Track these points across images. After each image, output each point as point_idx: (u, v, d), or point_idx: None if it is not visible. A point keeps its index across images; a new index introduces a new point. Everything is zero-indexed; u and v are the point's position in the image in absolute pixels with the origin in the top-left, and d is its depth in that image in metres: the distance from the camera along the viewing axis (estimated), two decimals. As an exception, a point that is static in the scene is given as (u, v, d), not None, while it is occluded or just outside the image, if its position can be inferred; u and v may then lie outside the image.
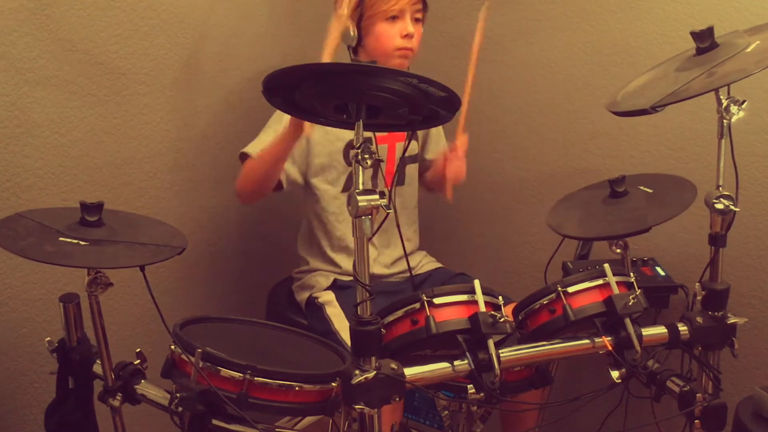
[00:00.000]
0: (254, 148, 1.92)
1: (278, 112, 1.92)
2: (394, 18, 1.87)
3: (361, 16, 1.87)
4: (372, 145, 1.22)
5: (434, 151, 2.17)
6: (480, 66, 2.35)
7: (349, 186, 1.91)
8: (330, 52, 1.66)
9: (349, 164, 1.91)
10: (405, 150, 1.95)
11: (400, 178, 2.04)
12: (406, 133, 1.72)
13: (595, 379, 1.44)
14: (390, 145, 2.01)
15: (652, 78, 1.63)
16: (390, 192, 1.90)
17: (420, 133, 2.12)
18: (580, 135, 2.23)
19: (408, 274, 2.05)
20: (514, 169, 2.37)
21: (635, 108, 1.53)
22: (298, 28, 2.29)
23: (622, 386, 1.43)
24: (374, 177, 1.94)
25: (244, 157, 1.93)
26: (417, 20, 1.92)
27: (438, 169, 2.03)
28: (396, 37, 1.88)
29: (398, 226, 1.91)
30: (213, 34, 2.04)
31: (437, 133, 2.19)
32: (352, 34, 1.83)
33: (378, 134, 1.92)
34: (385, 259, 2.04)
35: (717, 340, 1.50)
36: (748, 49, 1.47)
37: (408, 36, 1.88)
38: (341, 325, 1.84)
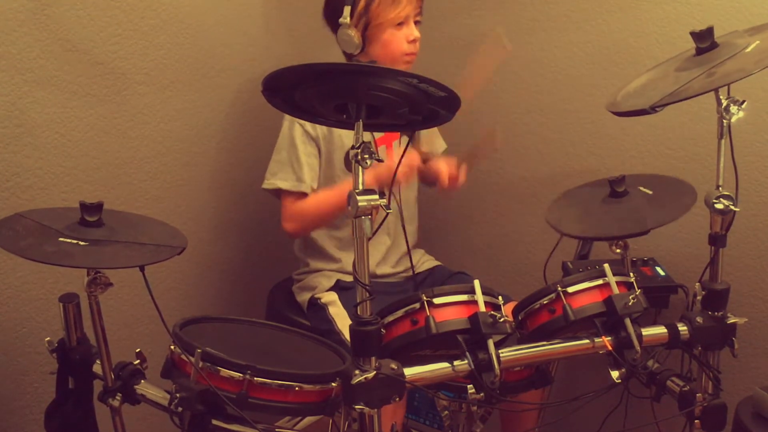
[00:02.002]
0: (287, 180, 1.90)
1: (285, 133, 1.93)
2: (400, 24, 1.90)
3: (366, 25, 1.88)
4: (372, 146, 1.22)
5: (430, 144, 2.17)
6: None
7: None
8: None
9: (349, 169, 1.91)
10: (405, 149, 1.95)
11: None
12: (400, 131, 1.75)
13: (595, 379, 1.44)
14: (387, 145, 2.01)
15: (652, 78, 1.63)
16: (390, 193, 1.90)
17: None
18: (580, 135, 2.23)
19: (408, 273, 2.05)
20: (514, 169, 2.37)
21: (635, 108, 1.53)
22: (297, 27, 2.29)
23: (622, 386, 1.43)
24: None
25: (276, 191, 1.92)
26: (417, 22, 1.95)
27: (433, 175, 2.03)
28: (403, 43, 1.91)
29: (404, 226, 1.92)
30: (213, 34, 2.04)
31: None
32: (356, 42, 1.85)
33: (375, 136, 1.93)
34: (392, 259, 2.05)
35: (717, 340, 1.50)
36: (748, 49, 1.47)
37: (414, 41, 1.92)
38: (344, 325, 1.83)
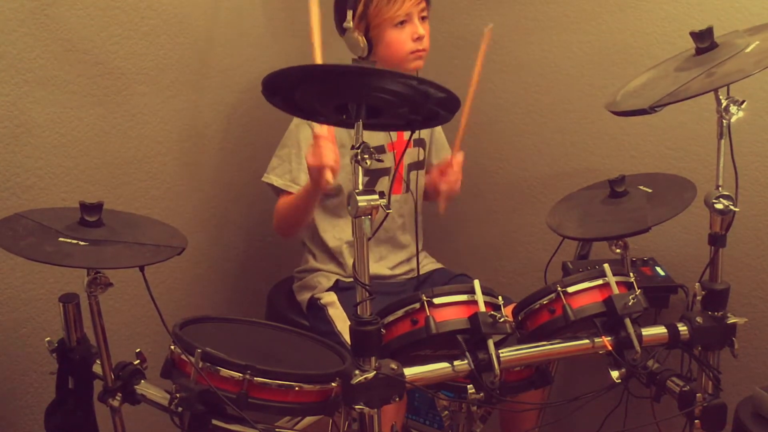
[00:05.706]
0: (281, 178, 1.90)
1: (292, 131, 1.93)
2: (402, 23, 1.86)
3: (368, 27, 1.86)
4: (373, 150, 1.22)
5: (438, 156, 2.17)
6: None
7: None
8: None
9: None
10: (403, 153, 1.95)
11: (406, 185, 2.04)
12: (412, 141, 1.74)
13: (595, 379, 1.44)
14: (399, 152, 1.99)
15: (652, 78, 1.63)
16: (389, 197, 1.89)
17: (426, 139, 2.12)
18: (580, 135, 2.23)
19: (409, 275, 2.05)
20: (514, 169, 2.37)
21: (634, 108, 1.53)
22: (297, 27, 2.29)
23: (622, 386, 1.43)
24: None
25: (272, 186, 1.93)
26: (423, 18, 1.91)
27: (432, 181, 2.02)
28: (407, 41, 1.87)
29: (417, 231, 1.91)
30: (213, 34, 2.04)
31: (441, 137, 2.20)
32: (362, 45, 1.83)
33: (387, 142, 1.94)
34: (389, 263, 2.04)
35: (717, 340, 1.50)
36: (748, 50, 1.47)
37: (419, 38, 1.88)
38: (343, 327, 1.83)
